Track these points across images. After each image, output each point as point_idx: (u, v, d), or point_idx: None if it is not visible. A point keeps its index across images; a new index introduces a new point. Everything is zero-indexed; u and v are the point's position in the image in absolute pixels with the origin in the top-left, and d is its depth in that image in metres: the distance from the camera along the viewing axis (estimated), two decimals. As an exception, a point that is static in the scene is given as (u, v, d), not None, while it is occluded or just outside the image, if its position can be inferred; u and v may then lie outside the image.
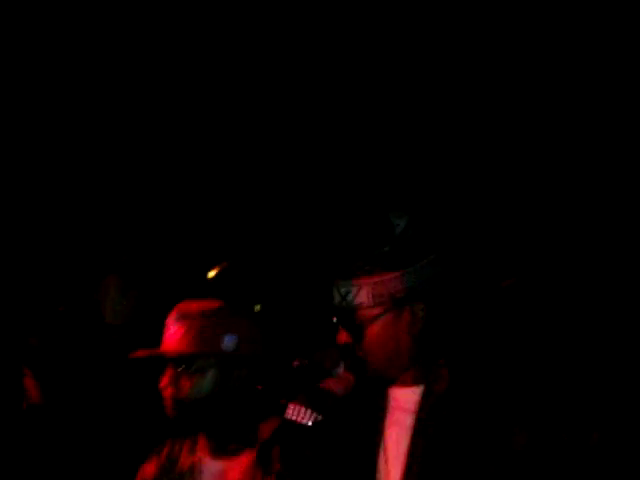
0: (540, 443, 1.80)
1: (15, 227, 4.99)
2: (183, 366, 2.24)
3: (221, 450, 2.28)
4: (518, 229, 4.98)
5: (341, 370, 3.72)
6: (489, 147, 5.16)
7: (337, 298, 1.91)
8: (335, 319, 1.93)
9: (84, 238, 5.01)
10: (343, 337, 1.93)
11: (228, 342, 2.26)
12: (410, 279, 1.88)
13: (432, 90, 5.10)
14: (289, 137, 5.25)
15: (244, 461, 2.24)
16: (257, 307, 2.38)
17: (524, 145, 5.11)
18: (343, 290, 1.89)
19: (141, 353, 2.28)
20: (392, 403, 1.97)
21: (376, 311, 1.88)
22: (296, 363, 3.72)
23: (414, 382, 1.94)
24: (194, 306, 2.32)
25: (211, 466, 2.29)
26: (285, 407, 2.67)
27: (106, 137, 5.25)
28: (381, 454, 1.93)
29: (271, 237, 5.17)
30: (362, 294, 1.88)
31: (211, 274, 2.48)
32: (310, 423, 2.52)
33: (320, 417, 2.55)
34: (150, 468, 2.39)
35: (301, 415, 2.55)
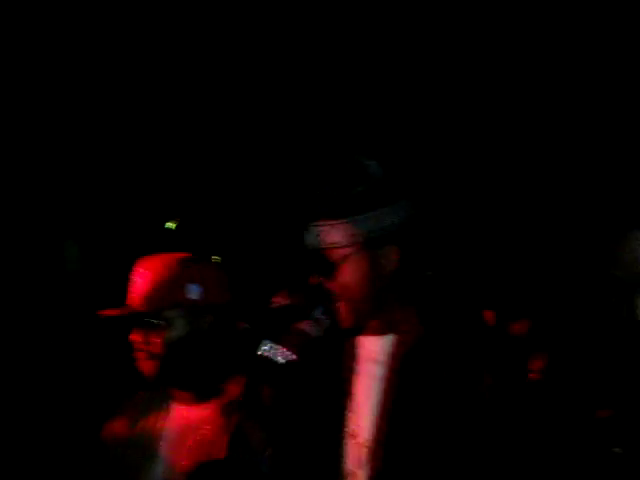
0: (500, 386, 1.85)
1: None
2: (151, 320, 2.20)
3: (192, 400, 2.27)
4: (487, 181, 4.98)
5: (319, 313, 3.77)
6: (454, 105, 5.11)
7: (310, 239, 1.90)
8: (309, 261, 1.95)
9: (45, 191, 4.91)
10: (316, 279, 1.96)
11: (192, 291, 2.24)
12: (384, 220, 1.88)
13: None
14: (253, 88, 5.15)
15: (213, 407, 2.25)
16: (216, 258, 2.39)
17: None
18: (316, 230, 1.89)
19: (109, 312, 2.23)
20: (361, 352, 1.97)
21: (348, 250, 1.88)
22: (274, 303, 3.76)
23: (384, 331, 1.94)
24: (157, 259, 2.29)
25: (180, 416, 2.28)
26: (260, 345, 2.70)
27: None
28: (351, 402, 1.94)
29: (239, 184, 5.13)
30: (335, 234, 1.88)
31: (169, 224, 2.48)
32: (283, 361, 2.56)
33: (293, 356, 2.59)
34: (119, 424, 2.36)
35: (274, 353, 2.59)
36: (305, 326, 3.05)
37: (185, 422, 2.26)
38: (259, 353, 2.61)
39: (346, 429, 1.92)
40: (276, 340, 2.65)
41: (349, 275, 1.89)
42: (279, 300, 3.70)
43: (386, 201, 1.89)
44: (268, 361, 2.56)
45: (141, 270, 2.26)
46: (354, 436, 1.90)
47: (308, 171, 2.01)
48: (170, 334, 2.21)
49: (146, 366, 2.24)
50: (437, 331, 1.91)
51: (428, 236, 1.98)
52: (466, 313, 2.08)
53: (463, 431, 1.81)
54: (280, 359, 2.56)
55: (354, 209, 1.87)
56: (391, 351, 1.92)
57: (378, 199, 1.88)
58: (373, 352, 1.95)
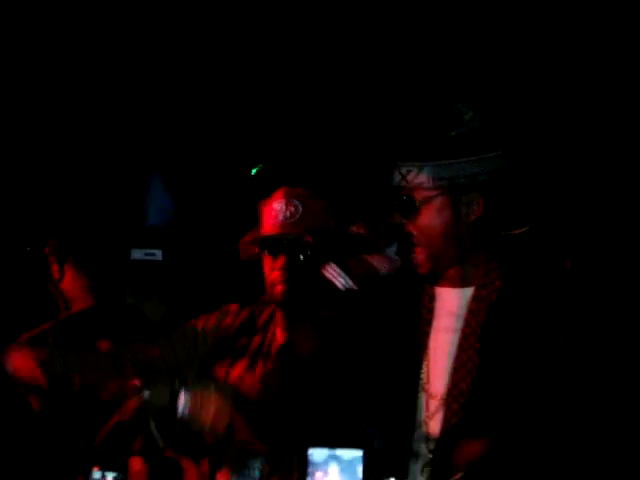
0: (574, 344, 1.89)
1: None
2: (295, 244, 2.42)
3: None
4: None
5: (392, 252, 3.72)
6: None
7: (397, 178, 1.97)
8: (393, 200, 1.95)
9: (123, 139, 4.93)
10: (397, 218, 1.95)
11: (331, 219, 2.50)
12: (472, 168, 1.93)
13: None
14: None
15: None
16: None
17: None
18: (404, 170, 1.95)
19: (249, 236, 2.40)
20: (439, 304, 2.02)
21: (432, 193, 1.92)
22: (352, 230, 3.73)
23: (463, 284, 1.99)
24: (300, 190, 2.47)
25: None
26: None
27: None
28: (426, 355, 1.99)
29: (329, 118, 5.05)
30: (423, 175, 1.94)
31: (254, 171, 2.56)
32: (342, 287, 2.56)
33: (353, 286, 2.58)
34: (228, 319, 2.62)
35: (335, 276, 2.58)
36: (374, 260, 3.01)
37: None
38: (321, 274, 2.62)
39: (420, 381, 1.96)
40: (341, 265, 2.64)
41: (430, 218, 1.95)
42: (354, 229, 3.68)
43: (477, 150, 1.93)
44: (327, 283, 2.56)
45: (287, 199, 2.45)
46: (427, 388, 1.94)
47: (406, 111, 2.02)
48: (313, 263, 2.44)
49: (284, 296, 2.47)
50: (518, 287, 1.94)
51: (518, 191, 1.96)
52: (550, 270, 2.04)
53: (541, 389, 1.87)
54: (340, 284, 2.55)
55: (443, 153, 1.91)
56: (470, 305, 1.95)
57: (469, 147, 1.93)
58: (451, 305, 2.00)
